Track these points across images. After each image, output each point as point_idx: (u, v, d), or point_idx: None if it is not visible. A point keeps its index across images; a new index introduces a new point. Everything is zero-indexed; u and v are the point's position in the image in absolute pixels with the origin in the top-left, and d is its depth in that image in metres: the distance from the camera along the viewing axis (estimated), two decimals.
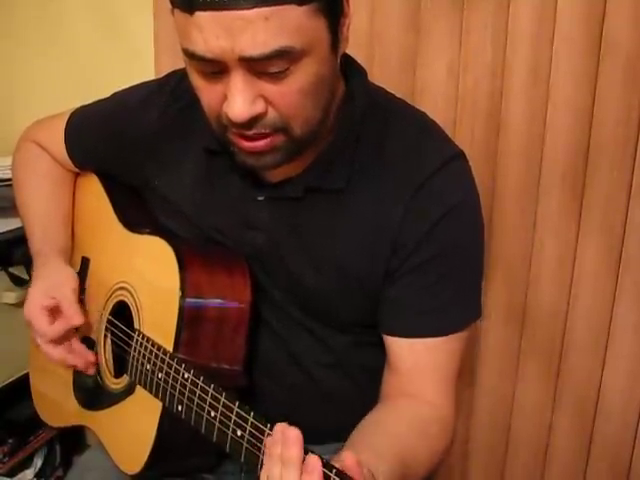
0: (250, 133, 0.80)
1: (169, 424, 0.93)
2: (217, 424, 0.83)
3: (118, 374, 1.05)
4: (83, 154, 1.17)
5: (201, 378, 0.86)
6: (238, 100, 0.76)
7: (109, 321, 1.06)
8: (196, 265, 0.94)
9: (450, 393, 0.96)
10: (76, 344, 1.06)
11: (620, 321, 1.38)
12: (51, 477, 1.76)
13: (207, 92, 0.80)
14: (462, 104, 1.39)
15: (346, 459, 0.68)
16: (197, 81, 0.80)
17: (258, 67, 0.74)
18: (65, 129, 1.17)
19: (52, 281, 1.06)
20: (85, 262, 1.16)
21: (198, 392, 0.86)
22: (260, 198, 0.96)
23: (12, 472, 1.66)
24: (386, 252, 0.91)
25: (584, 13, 1.27)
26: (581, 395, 1.45)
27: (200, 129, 0.94)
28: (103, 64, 1.69)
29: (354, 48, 0.92)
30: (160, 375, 0.92)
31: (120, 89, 1.14)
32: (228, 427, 0.81)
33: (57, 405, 1.19)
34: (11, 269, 1.57)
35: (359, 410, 0.93)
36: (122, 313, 1.04)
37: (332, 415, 1.02)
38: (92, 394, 1.09)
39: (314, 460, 0.67)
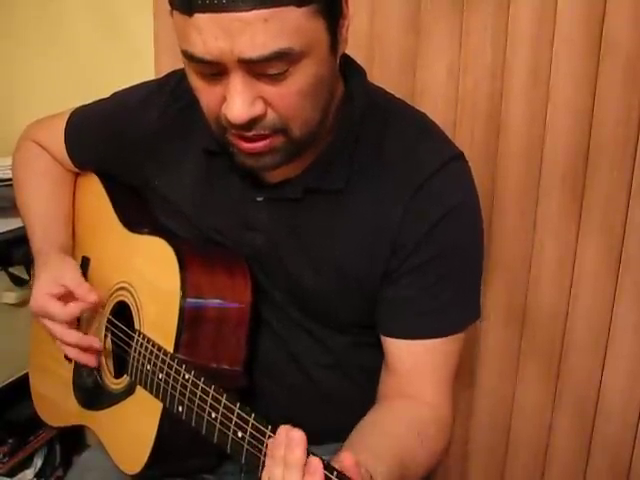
0: (249, 134, 0.80)
1: (169, 425, 0.93)
2: (218, 425, 0.83)
3: (118, 374, 1.05)
4: (83, 154, 1.18)
5: (202, 379, 0.86)
6: (237, 102, 0.76)
7: (109, 321, 1.06)
8: (196, 266, 0.94)
9: (448, 393, 0.96)
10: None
11: (620, 321, 1.38)
12: (51, 477, 1.76)
13: (206, 94, 0.80)
14: (462, 105, 1.39)
15: (345, 459, 0.68)
16: (196, 83, 0.80)
17: (257, 69, 0.74)
18: (65, 129, 1.17)
19: (56, 272, 1.05)
20: (85, 262, 1.16)
21: (199, 393, 0.86)
22: (259, 199, 0.96)
23: (12, 472, 1.66)
24: (385, 253, 0.91)
25: (584, 14, 1.27)
26: (581, 395, 1.45)
27: (200, 129, 0.94)
28: (103, 64, 1.69)
29: (354, 49, 0.92)
30: (160, 376, 0.92)
31: (120, 89, 1.14)
32: (229, 428, 0.81)
33: (57, 405, 1.19)
34: (11, 269, 1.57)
35: (358, 410, 0.93)
36: (122, 313, 1.04)
37: (331, 415, 1.02)
38: (92, 394, 1.09)
39: (316, 462, 0.67)
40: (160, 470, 0.97)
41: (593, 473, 1.47)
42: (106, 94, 1.15)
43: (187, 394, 0.87)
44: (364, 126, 0.92)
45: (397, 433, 0.87)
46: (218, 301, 0.94)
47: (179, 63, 0.83)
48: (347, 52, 0.88)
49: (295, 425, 0.71)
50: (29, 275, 1.51)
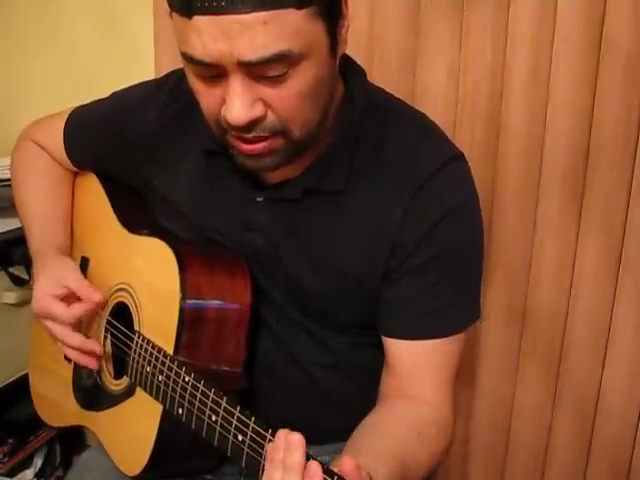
0: (249, 136, 0.80)
1: (170, 427, 0.93)
2: (218, 428, 0.82)
3: (118, 375, 1.05)
4: (82, 153, 1.17)
5: (202, 382, 0.86)
6: (237, 104, 0.76)
7: (108, 322, 1.06)
8: (196, 267, 0.94)
9: (448, 394, 0.96)
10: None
11: (620, 321, 1.38)
12: (51, 477, 1.76)
13: (206, 96, 0.80)
14: (462, 106, 1.39)
15: (344, 464, 0.67)
16: (196, 84, 0.80)
17: (257, 71, 0.74)
18: (64, 129, 1.17)
19: (57, 274, 1.04)
20: (84, 262, 1.16)
21: (199, 396, 0.86)
22: (259, 199, 0.96)
23: (12, 472, 1.66)
24: (385, 253, 0.91)
25: (584, 14, 1.27)
26: (581, 395, 1.45)
27: (199, 130, 0.93)
28: (103, 64, 1.68)
29: (354, 50, 0.92)
30: (160, 378, 0.91)
31: (119, 89, 1.14)
32: (229, 432, 0.80)
33: (57, 405, 1.19)
34: (11, 269, 1.57)
35: (359, 410, 0.93)
36: (121, 314, 1.04)
37: (332, 415, 1.02)
38: (92, 395, 1.09)
39: (315, 466, 0.67)
40: (160, 472, 0.97)
41: (593, 473, 1.47)
42: (106, 94, 1.15)
43: (187, 396, 0.87)
44: (364, 126, 0.92)
45: (397, 434, 0.87)
46: (218, 302, 0.94)
47: (179, 63, 0.83)
48: (347, 52, 0.88)
49: (295, 425, 0.71)
50: (29, 275, 1.51)
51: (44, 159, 1.21)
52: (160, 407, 0.93)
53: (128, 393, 1.00)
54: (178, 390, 0.89)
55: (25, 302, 1.53)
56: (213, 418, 0.83)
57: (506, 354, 1.48)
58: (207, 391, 0.84)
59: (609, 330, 1.40)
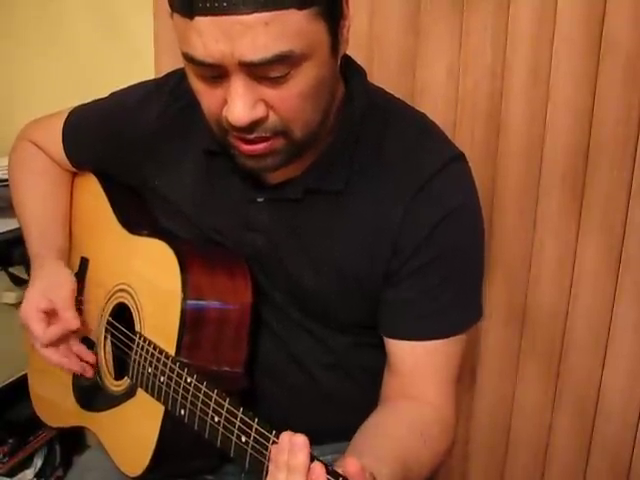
0: (250, 137, 0.80)
1: (171, 428, 0.93)
2: (221, 429, 0.82)
3: (118, 376, 1.04)
4: (80, 153, 1.17)
5: (204, 383, 0.85)
6: (238, 105, 0.76)
7: (109, 322, 1.06)
8: (197, 267, 0.94)
9: (451, 394, 0.96)
10: (75, 345, 1.06)
11: (620, 321, 1.38)
12: (51, 477, 1.76)
13: (207, 96, 0.80)
14: (462, 105, 1.39)
15: (349, 465, 0.67)
16: (197, 85, 0.80)
17: (258, 72, 0.74)
18: (63, 128, 1.17)
19: (49, 283, 1.05)
20: (84, 262, 1.16)
21: (201, 397, 0.85)
22: (260, 200, 0.96)
23: (12, 472, 1.66)
24: (386, 253, 0.91)
25: (584, 14, 1.27)
26: (581, 395, 1.45)
27: (200, 130, 0.93)
28: (103, 64, 1.68)
29: (354, 50, 0.92)
30: (162, 379, 0.91)
31: (118, 89, 1.14)
32: (232, 433, 0.80)
33: (56, 405, 1.19)
34: (11, 269, 1.57)
35: (360, 411, 0.93)
36: (122, 315, 1.04)
37: (332, 415, 1.02)
38: (92, 395, 1.09)
39: (319, 467, 0.67)
40: (161, 472, 0.97)
41: (593, 473, 1.47)
42: (106, 94, 1.15)
43: (189, 398, 0.87)
44: (364, 126, 0.92)
45: (400, 434, 0.87)
46: (219, 303, 0.94)
47: (179, 63, 0.83)
48: (347, 53, 0.88)
49: (296, 425, 0.71)
50: (29, 275, 1.51)
51: (42, 159, 1.20)
52: (161, 408, 0.92)
53: (129, 394, 1.00)
54: (180, 391, 0.88)
55: None
56: (216, 419, 0.83)
57: (506, 353, 1.49)
58: (210, 392, 0.84)
59: (609, 329, 1.40)
